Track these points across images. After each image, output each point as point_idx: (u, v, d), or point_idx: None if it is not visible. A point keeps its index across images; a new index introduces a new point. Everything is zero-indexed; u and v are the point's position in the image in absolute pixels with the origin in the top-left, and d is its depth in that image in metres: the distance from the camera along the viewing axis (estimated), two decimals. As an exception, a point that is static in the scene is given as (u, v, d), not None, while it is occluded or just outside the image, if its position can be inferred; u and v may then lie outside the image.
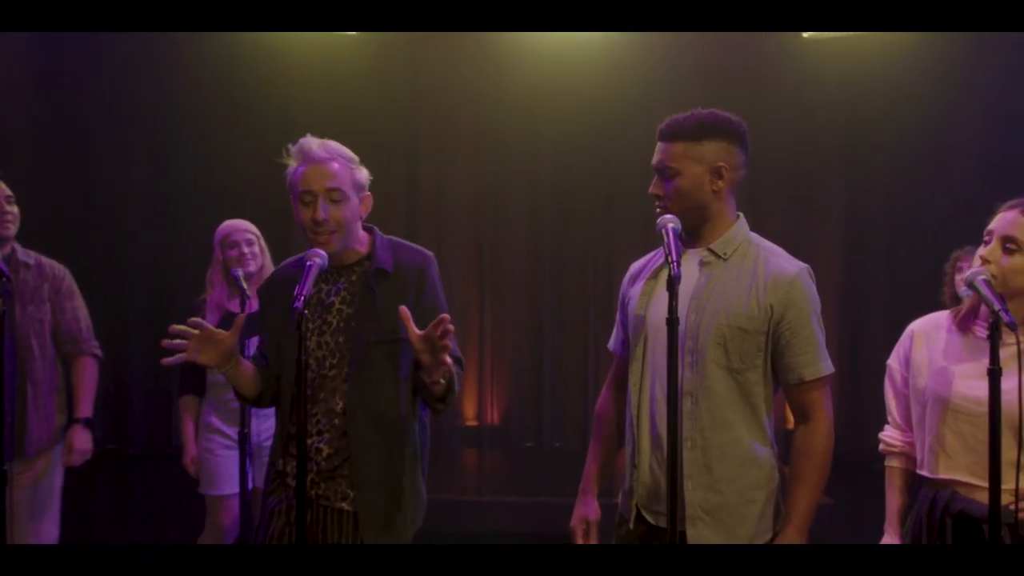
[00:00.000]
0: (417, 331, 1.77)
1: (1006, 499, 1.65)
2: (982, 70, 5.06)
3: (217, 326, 3.00)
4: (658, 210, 1.81)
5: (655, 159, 1.84)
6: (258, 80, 5.26)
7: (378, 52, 5.33)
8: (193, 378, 3.11)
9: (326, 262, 1.85)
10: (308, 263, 1.81)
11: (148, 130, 5.37)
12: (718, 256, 1.83)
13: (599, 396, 2.09)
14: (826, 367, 1.80)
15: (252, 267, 3.02)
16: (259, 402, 2.06)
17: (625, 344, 1.98)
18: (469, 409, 5.70)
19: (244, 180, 5.14)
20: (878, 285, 5.41)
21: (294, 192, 1.92)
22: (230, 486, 3.04)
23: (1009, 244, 1.73)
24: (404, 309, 1.78)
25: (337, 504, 1.92)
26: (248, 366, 1.99)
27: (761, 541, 1.80)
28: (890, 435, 2.00)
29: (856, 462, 3.57)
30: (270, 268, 3.03)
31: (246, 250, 3.03)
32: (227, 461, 3.03)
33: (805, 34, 5.10)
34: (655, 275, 1.87)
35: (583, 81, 5.32)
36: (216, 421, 3.08)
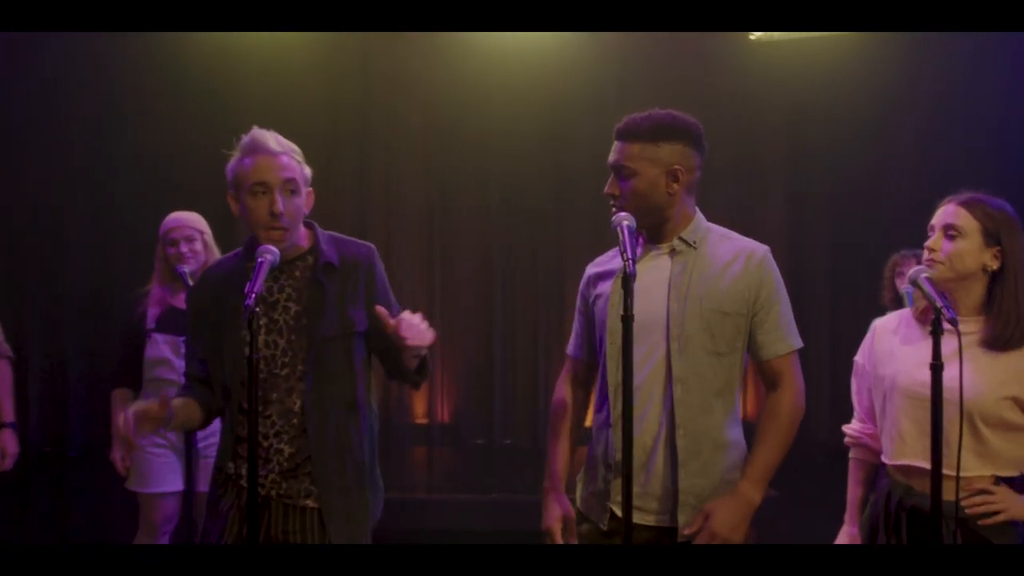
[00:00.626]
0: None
1: (955, 491, 1.71)
2: (922, 72, 5.21)
3: (157, 320, 2.97)
4: (613, 209, 1.81)
5: (612, 158, 1.84)
6: (206, 75, 5.14)
7: (328, 48, 5.26)
8: (128, 371, 3.01)
9: (278, 259, 1.80)
10: (259, 259, 1.75)
11: (87, 124, 5.20)
12: (689, 245, 1.85)
13: (554, 395, 2.06)
14: (796, 341, 1.87)
15: (192, 265, 2.91)
16: (211, 421, 2.01)
17: (584, 347, 1.98)
18: (419, 407, 5.67)
19: (188, 174, 5.01)
20: (820, 286, 5.55)
21: (243, 185, 1.85)
22: (162, 484, 2.96)
23: (951, 231, 1.82)
24: (381, 309, 1.79)
25: (301, 502, 1.88)
26: (188, 404, 1.93)
27: None
28: (853, 427, 2.07)
29: (800, 455, 3.64)
30: None
31: (184, 248, 2.92)
32: (159, 459, 2.96)
33: (752, 36, 5.19)
34: (622, 272, 1.88)
35: (534, 80, 5.33)
36: None
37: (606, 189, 1.85)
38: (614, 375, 1.82)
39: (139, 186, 5.17)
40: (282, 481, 1.88)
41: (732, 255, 1.85)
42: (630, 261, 1.57)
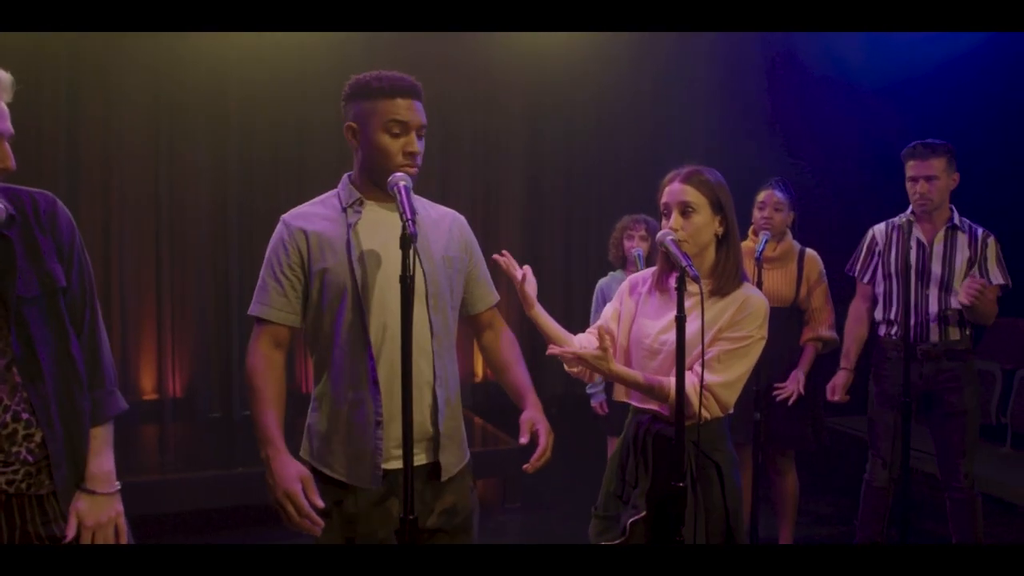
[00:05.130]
0: None
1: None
2: (642, 69, 5.76)
3: None
4: (415, 170, 1.81)
5: (417, 118, 1.82)
6: None
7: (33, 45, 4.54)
8: None
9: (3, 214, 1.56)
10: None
11: None
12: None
13: (253, 359, 1.87)
14: (497, 293, 2.11)
15: None
16: None
17: (291, 308, 1.88)
18: (146, 382, 5.23)
19: None
20: (556, 257, 5.98)
21: None
22: None
23: (687, 209, 1.99)
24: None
25: (39, 491, 1.65)
26: None
27: (468, 454, 1.99)
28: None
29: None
30: None
31: None
32: None
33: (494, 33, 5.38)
34: (353, 228, 1.84)
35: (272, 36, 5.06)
36: None
37: (416, 148, 1.81)
38: (378, 332, 1.81)
39: None
40: (33, 466, 1.63)
41: (443, 216, 1.99)
42: (410, 222, 1.57)
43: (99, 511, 1.69)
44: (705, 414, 1.97)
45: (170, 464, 4.41)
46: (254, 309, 1.89)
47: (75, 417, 1.69)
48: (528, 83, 5.75)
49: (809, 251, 3.34)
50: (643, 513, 2.00)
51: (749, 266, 3.27)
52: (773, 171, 3.55)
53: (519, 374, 2.04)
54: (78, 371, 1.71)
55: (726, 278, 2.03)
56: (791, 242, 3.34)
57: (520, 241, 5.90)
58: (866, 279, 3.27)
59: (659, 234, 1.98)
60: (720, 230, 2.04)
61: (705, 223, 2.01)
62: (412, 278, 1.57)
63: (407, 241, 1.57)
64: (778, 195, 3.27)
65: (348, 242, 1.83)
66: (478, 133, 5.80)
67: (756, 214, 3.31)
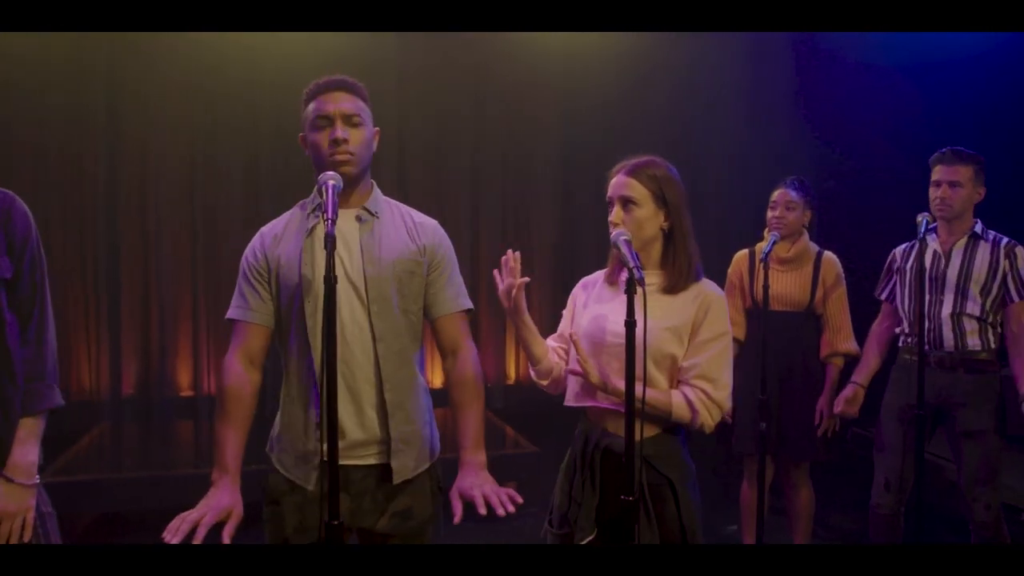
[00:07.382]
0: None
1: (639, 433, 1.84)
2: (672, 73, 5.71)
3: None
4: (346, 156, 1.85)
5: (339, 107, 1.87)
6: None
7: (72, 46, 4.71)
8: None
9: None
10: None
11: None
12: (372, 214, 1.92)
13: (229, 372, 1.95)
14: (468, 302, 2.01)
15: None
16: None
17: (261, 311, 1.93)
18: (183, 379, 5.36)
19: None
20: (590, 252, 5.90)
21: None
22: None
23: (628, 203, 1.96)
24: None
25: None
26: None
27: (432, 458, 1.97)
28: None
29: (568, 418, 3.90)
30: None
31: None
32: None
33: (524, 35, 5.40)
34: (310, 233, 1.89)
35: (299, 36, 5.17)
36: None
37: (339, 135, 1.84)
38: (317, 336, 1.84)
39: None
40: None
41: (411, 219, 1.99)
42: (330, 222, 1.56)
43: (11, 499, 1.70)
44: (710, 421, 1.94)
45: (204, 459, 4.53)
46: (231, 313, 1.94)
47: (1, 406, 1.71)
48: (559, 88, 5.73)
49: (827, 253, 3.22)
50: (592, 536, 1.94)
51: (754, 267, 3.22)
52: (809, 168, 3.45)
53: (463, 421, 1.92)
54: (11, 361, 1.72)
55: (676, 274, 1.97)
56: (807, 243, 3.22)
57: (552, 247, 5.90)
58: (884, 296, 3.19)
59: (613, 234, 1.91)
60: (666, 225, 1.98)
61: (647, 217, 1.96)
62: (335, 279, 1.53)
63: (328, 242, 1.53)
64: (791, 194, 3.17)
65: (300, 247, 1.88)
66: (507, 144, 5.79)
67: (769, 213, 3.21)
